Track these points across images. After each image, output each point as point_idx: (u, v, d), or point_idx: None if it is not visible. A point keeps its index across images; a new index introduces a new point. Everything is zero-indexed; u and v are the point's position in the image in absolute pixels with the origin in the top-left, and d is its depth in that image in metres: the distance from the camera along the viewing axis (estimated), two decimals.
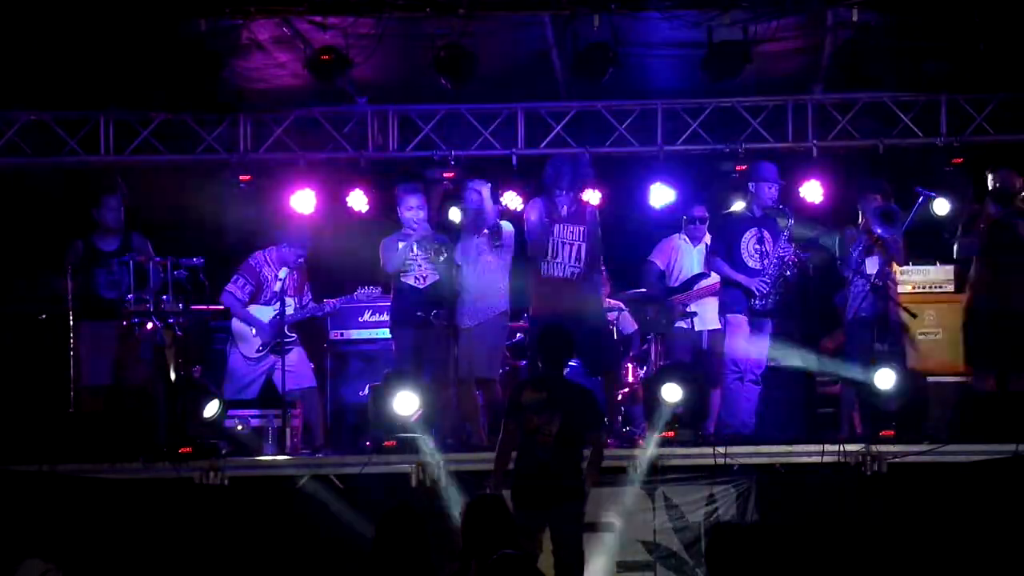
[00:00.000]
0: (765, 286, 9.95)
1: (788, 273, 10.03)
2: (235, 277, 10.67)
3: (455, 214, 10.40)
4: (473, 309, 10.09)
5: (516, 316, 10.68)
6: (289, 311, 10.50)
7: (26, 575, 6.70)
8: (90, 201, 10.43)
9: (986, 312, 10.08)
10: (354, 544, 8.87)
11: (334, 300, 10.88)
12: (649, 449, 9.11)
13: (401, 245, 10.29)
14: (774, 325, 10.10)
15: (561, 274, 9.80)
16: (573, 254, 9.83)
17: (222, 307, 11.00)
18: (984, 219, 10.13)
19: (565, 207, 9.90)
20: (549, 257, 9.81)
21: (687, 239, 10.93)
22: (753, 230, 10.10)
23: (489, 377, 9.98)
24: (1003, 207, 10.05)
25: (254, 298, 10.64)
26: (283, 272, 10.47)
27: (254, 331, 10.59)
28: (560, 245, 9.83)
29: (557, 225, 9.85)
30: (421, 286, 10.28)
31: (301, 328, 10.85)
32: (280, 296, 10.43)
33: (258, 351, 10.58)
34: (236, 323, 10.66)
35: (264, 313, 10.61)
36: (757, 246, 10.07)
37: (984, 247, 10.16)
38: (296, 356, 10.54)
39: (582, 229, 9.87)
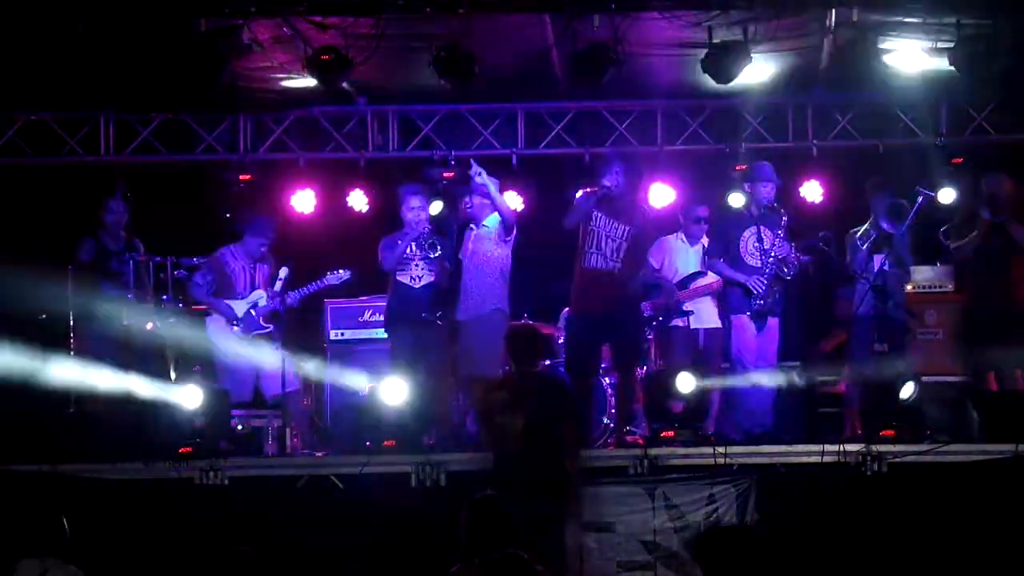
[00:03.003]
0: (762, 285, 9.96)
1: (786, 269, 10.03)
2: (200, 270, 10.63)
3: (435, 207, 10.38)
4: (467, 303, 10.10)
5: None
6: (262, 303, 10.50)
7: (30, 571, 6.72)
8: (92, 202, 10.43)
9: (982, 314, 10.05)
10: (354, 544, 8.90)
11: (298, 290, 10.75)
12: None
13: (399, 243, 10.31)
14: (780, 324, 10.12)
15: (603, 266, 9.71)
16: (614, 250, 9.70)
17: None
18: (979, 225, 10.10)
19: (610, 201, 9.80)
20: (591, 247, 9.71)
21: (684, 238, 10.88)
22: (752, 228, 10.13)
23: (490, 374, 9.88)
24: (995, 211, 10.03)
25: (219, 292, 10.59)
26: (283, 272, 10.45)
27: (234, 326, 10.53)
28: (602, 237, 9.72)
29: (598, 215, 9.74)
30: (416, 286, 10.28)
31: (297, 328, 10.82)
32: (281, 293, 10.44)
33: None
34: (211, 323, 10.62)
35: (238, 307, 10.59)
36: (757, 244, 10.10)
37: (978, 250, 10.14)
38: (276, 361, 10.48)
39: (627, 228, 9.75)
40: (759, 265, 10.07)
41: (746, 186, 10.28)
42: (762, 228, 10.11)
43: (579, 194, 10.05)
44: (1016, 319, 9.92)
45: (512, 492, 7.79)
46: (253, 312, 10.53)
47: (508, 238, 10.22)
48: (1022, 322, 9.90)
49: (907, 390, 9.49)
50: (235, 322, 10.51)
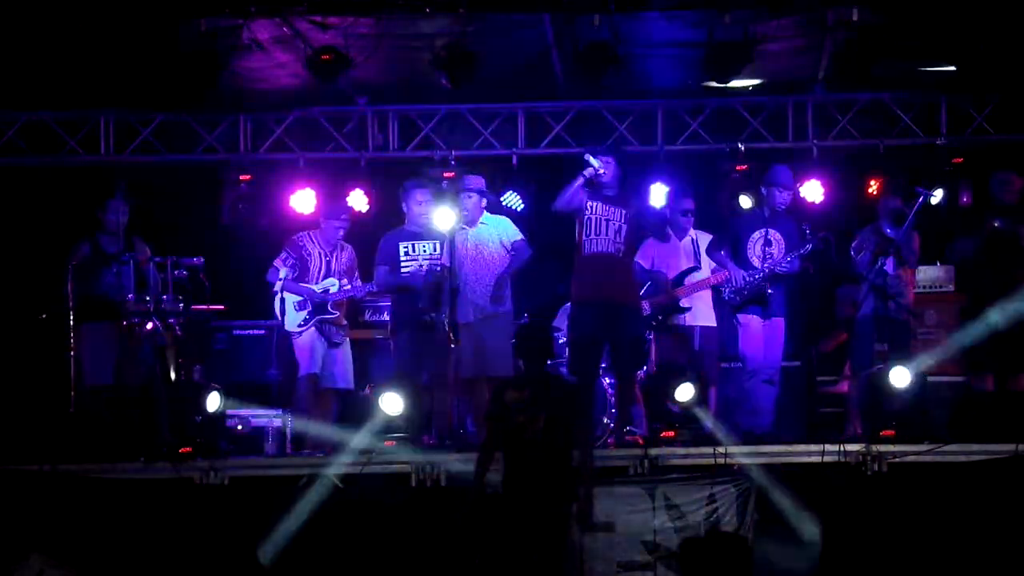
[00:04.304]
0: (741, 281, 9.96)
1: (776, 275, 10.02)
2: (280, 254, 10.53)
3: (447, 219, 10.30)
4: (474, 305, 10.08)
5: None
6: (333, 290, 10.47)
7: (29, 572, 6.72)
8: (92, 202, 10.41)
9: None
10: (354, 544, 8.91)
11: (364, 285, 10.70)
12: None
13: (402, 246, 10.27)
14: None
15: (605, 249, 9.62)
16: (615, 231, 9.61)
17: (222, 307, 11.04)
18: (987, 228, 10.07)
19: (605, 189, 9.68)
20: (590, 234, 9.62)
21: (671, 233, 10.86)
22: (762, 231, 10.09)
23: (502, 375, 9.75)
24: (1005, 217, 10.02)
25: (299, 277, 10.51)
26: (283, 272, 10.38)
27: (296, 307, 10.48)
28: (601, 222, 9.62)
29: (594, 203, 9.63)
30: (420, 287, 10.24)
31: None
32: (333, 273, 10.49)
33: (300, 325, 10.47)
34: (277, 303, 10.59)
35: (314, 292, 10.52)
36: (765, 247, 10.06)
37: (983, 251, 10.12)
38: (343, 354, 10.53)
39: (624, 212, 9.65)
40: (760, 268, 10.06)
41: (762, 189, 10.23)
42: (771, 231, 10.08)
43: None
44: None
45: (521, 492, 7.84)
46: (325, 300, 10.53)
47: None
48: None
49: (902, 378, 9.42)
50: (306, 305, 10.47)
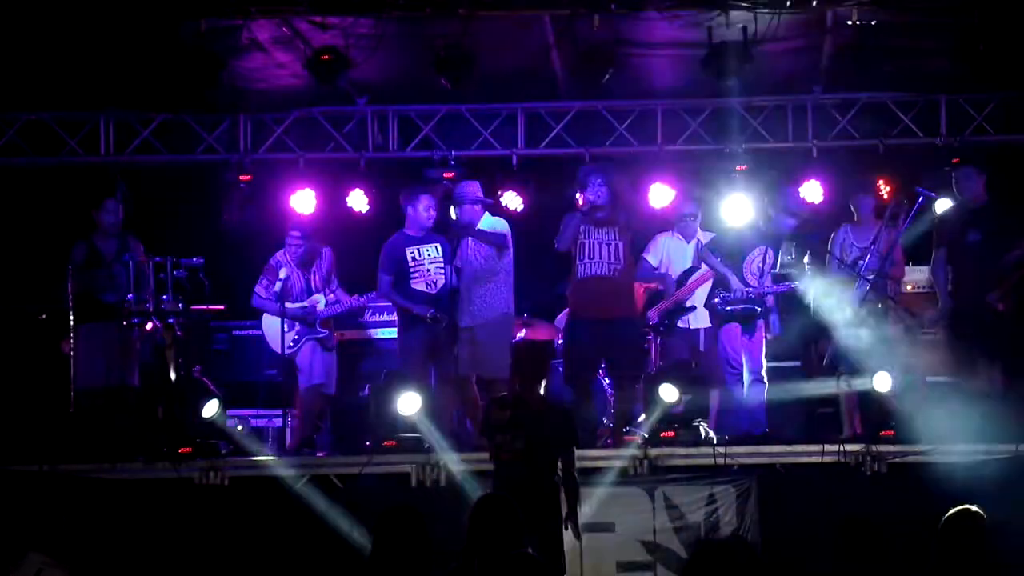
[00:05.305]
0: (741, 293, 9.96)
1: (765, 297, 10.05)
2: (260, 278, 10.58)
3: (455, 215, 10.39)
4: (473, 309, 10.08)
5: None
6: (321, 307, 10.45)
7: (27, 571, 6.72)
8: (90, 203, 10.40)
9: (969, 314, 10.00)
10: (354, 544, 8.90)
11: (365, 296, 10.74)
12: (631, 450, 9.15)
13: (408, 252, 10.25)
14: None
15: (601, 272, 9.75)
16: (610, 253, 9.77)
17: (222, 307, 11.03)
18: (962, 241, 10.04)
19: (593, 212, 9.79)
20: (585, 258, 9.77)
21: (680, 236, 10.88)
22: (760, 248, 10.10)
23: (497, 377, 9.79)
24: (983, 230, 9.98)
25: (281, 298, 10.49)
26: (283, 272, 10.42)
27: (286, 327, 10.46)
28: (595, 246, 9.77)
29: (585, 228, 9.77)
30: (433, 292, 10.20)
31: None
32: (280, 295, 10.38)
33: (290, 347, 10.46)
34: (264, 323, 10.60)
35: (297, 313, 10.53)
36: (761, 265, 10.07)
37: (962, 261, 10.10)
38: (333, 359, 10.54)
39: (616, 229, 9.78)
40: (756, 285, 10.06)
41: (770, 210, 10.23)
42: (769, 251, 10.10)
43: (563, 223, 10.04)
44: (993, 321, 9.87)
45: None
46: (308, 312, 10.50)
47: (506, 251, 10.22)
48: (998, 324, 9.85)
49: (884, 383, 9.41)
50: (294, 325, 10.44)
